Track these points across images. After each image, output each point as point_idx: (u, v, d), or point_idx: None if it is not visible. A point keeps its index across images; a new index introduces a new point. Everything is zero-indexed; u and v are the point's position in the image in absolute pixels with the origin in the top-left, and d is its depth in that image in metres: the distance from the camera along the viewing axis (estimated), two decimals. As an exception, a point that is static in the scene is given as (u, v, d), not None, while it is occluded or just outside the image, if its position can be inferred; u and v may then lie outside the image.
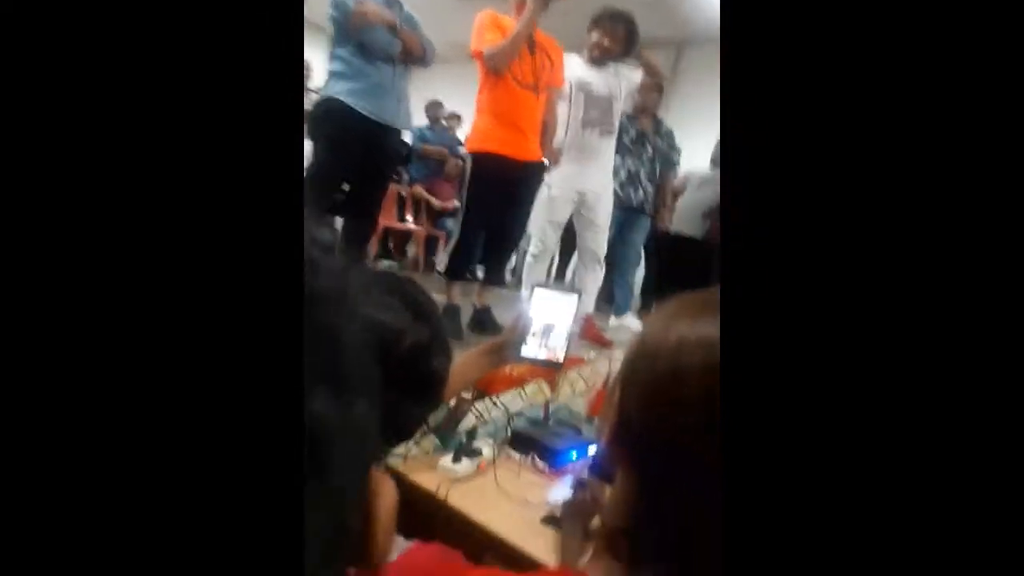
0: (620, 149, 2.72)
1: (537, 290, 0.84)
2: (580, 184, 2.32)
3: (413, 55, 1.90)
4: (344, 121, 1.80)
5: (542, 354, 0.85)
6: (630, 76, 2.33)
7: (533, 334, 0.84)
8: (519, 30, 1.89)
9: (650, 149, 2.83)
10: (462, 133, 4.79)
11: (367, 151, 1.88)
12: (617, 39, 2.21)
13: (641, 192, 2.85)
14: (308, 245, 0.23)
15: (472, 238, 2.15)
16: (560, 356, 0.87)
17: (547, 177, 2.28)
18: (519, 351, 0.84)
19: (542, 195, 2.35)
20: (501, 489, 0.97)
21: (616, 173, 2.69)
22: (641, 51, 2.27)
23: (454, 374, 0.81)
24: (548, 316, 0.85)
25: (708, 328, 0.33)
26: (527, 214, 2.25)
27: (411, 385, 0.47)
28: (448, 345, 0.55)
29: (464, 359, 0.88)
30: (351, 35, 1.78)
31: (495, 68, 1.93)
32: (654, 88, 2.57)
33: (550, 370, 1.99)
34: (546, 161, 2.20)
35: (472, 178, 2.08)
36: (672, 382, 0.34)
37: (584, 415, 1.45)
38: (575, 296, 0.86)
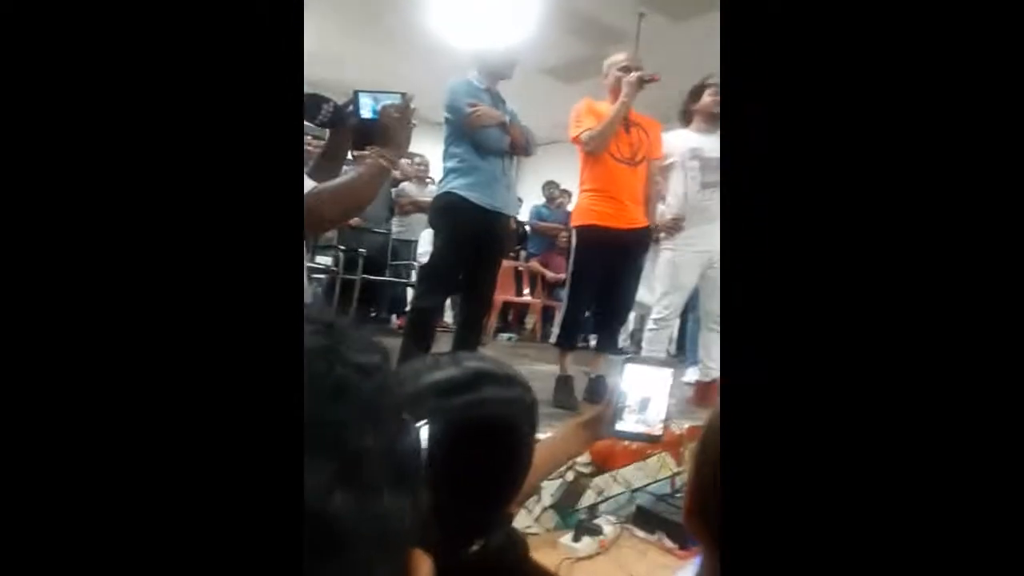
0: None
1: (628, 365, 0.84)
2: (706, 245, 2.26)
3: (519, 148, 2.05)
4: (463, 213, 1.98)
5: (639, 428, 0.83)
6: None
7: (630, 408, 0.83)
8: (614, 115, 2.01)
9: None
10: (571, 207, 4.94)
11: (484, 238, 2.02)
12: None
13: None
14: (348, 368, 0.24)
15: (579, 308, 2.17)
16: (658, 431, 0.84)
17: (669, 242, 2.27)
18: (614, 426, 0.83)
19: (663, 260, 2.32)
20: (625, 570, 0.92)
21: None
22: None
23: (544, 452, 0.81)
24: (644, 390, 0.83)
25: None
26: (635, 280, 2.23)
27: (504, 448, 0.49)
28: (535, 420, 0.56)
29: (556, 436, 0.87)
30: (465, 134, 1.97)
31: (594, 151, 2.04)
32: None
33: (674, 442, 1.88)
34: (652, 226, 2.20)
35: (576, 250, 2.13)
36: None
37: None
38: (669, 370, 0.84)
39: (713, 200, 2.23)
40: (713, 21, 2.93)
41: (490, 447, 0.49)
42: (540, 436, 0.63)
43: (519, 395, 0.54)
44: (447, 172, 2.06)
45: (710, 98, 2.27)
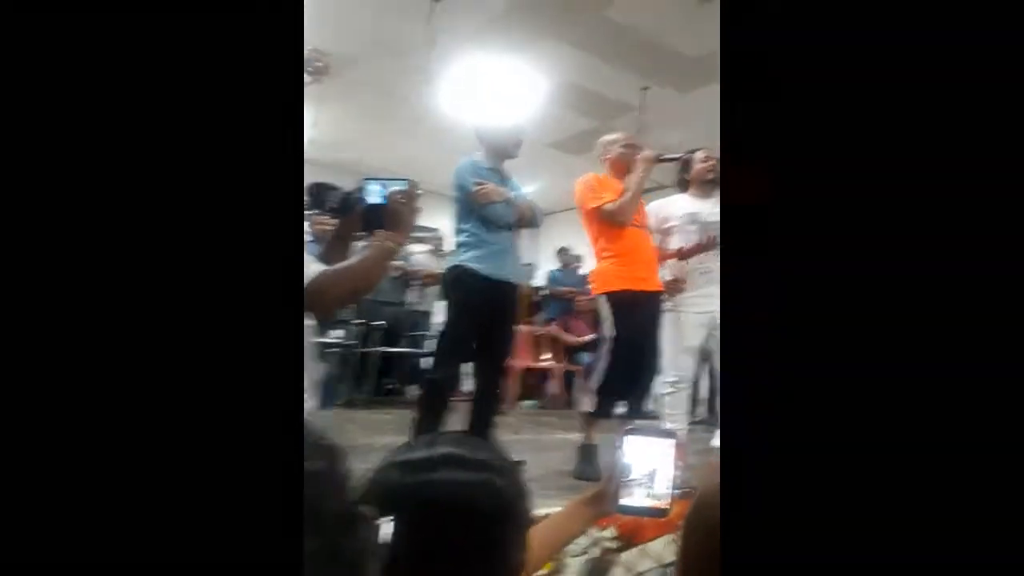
0: None
1: (628, 437, 0.81)
2: (708, 306, 2.27)
3: (525, 220, 2.12)
4: (473, 284, 2.05)
5: (646, 503, 0.80)
6: None
7: (637, 482, 0.80)
8: (636, 188, 2.14)
9: None
10: (583, 271, 4.99)
11: (494, 307, 2.08)
12: (714, 168, 2.33)
13: None
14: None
15: (621, 375, 2.16)
16: (666, 504, 0.80)
17: (671, 304, 2.28)
18: (618, 502, 0.80)
19: (671, 323, 2.32)
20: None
21: None
22: None
23: (549, 529, 0.78)
24: (648, 462, 0.80)
25: None
26: (660, 342, 2.23)
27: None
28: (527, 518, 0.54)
29: (560, 513, 0.84)
30: (473, 210, 2.05)
31: (623, 222, 2.14)
32: None
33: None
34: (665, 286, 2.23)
35: (615, 317, 2.15)
36: (712, 538, 0.32)
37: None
38: (671, 440, 0.81)
39: (712, 262, 2.27)
40: (714, 93, 3.11)
41: (446, 531, 0.48)
42: (541, 513, 0.61)
43: (483, 479, 0.52)
44: (458, 246, 2.14)
45: (700, 166, 2.38)
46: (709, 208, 2.35)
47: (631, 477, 0.79)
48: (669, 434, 0.83)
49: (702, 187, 2.39)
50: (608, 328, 2.15)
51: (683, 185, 2.46)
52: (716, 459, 0.36)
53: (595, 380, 2.18)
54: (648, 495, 0.79)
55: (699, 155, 2.40)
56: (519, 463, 0.59)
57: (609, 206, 2.11)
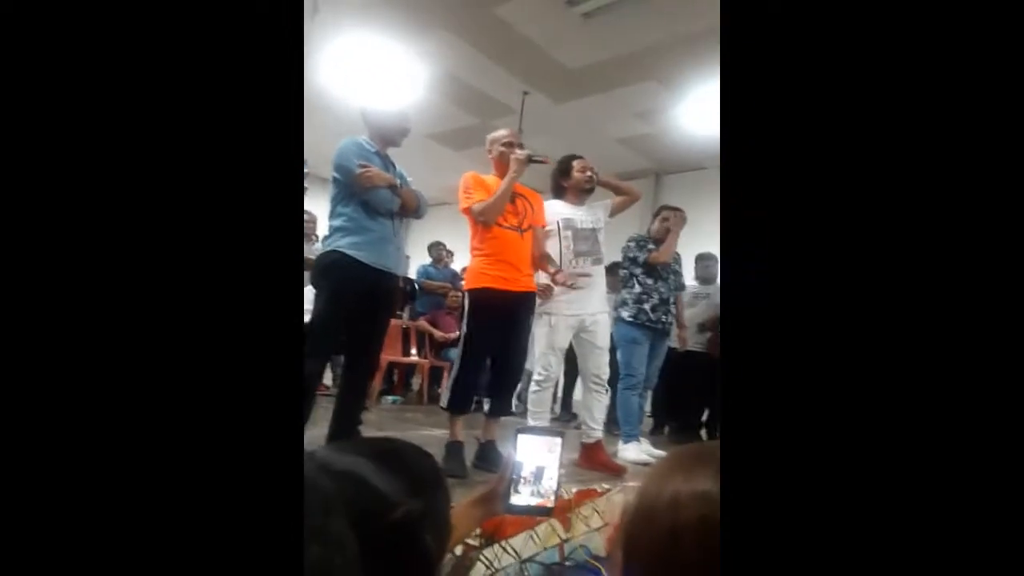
0: (651, 274, 2.86)
1: (520, 436, 0.83)
2: (578, 309, 2.38)
3: (410, 210, 2.05)
4: (348, 271, 1.92)
5: (533, 501, 0.81)
6: (601, 209, 2.59)
7: (525, 480, 0.81)
8: (503, 190, 2.13)
9: (671, 273, 2.95)
10: (457, 267, 4.99)
11: (372, 297, 1.97)
12: (592, 178, 2.46)
13: (670, 316, 2.92)
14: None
15: (472, 371, 2.16)
16: (551, 502, 0.83)
17: (546, 306, 2.35)
18: (507, 501, 0.81)
19: (542, 324, 2.39)
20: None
21: (649, 297, 2.83)
22: (601, 179, 2.52)
23: None
24: (537, 459, 0.82)
25: (704, 483, 0.32)
26: (526, 342, 2.28)
27: (399, 559, 0.44)
28: (445, 524, 0.52)
29: (451, 515, 0.83)
30: (355, 194, 1.93)
31: (486, 222, 2.13)
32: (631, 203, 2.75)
33: (563, 507, 1.88)
34: (538, 290, 2.28)
35: (470, 313, 2.14)
36: (670, 540, 0.32)
37: (605, 553, 1.33)
38: (559, 438, 0.84)
39: (584, 267, 2.40)
40: (588, 106, 3.28)
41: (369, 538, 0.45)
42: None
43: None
44: (333, 231, 1.99)
45: (579, 174, 2.49)
46: (582, 215, 2.47)
47: (521, 475, 0.80)
48: (558, 433, 0.85)
49: (578, 194, 2.50)
50: (463, 325, 2.16)
51: (559, 192, 2.56)
52: (656, 464, 0.36)
53: (450, 376, 2.17)
54: (533, 493, 0.80)
55: (577, 164, 2.50)
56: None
57: (476, 206, 2.12)
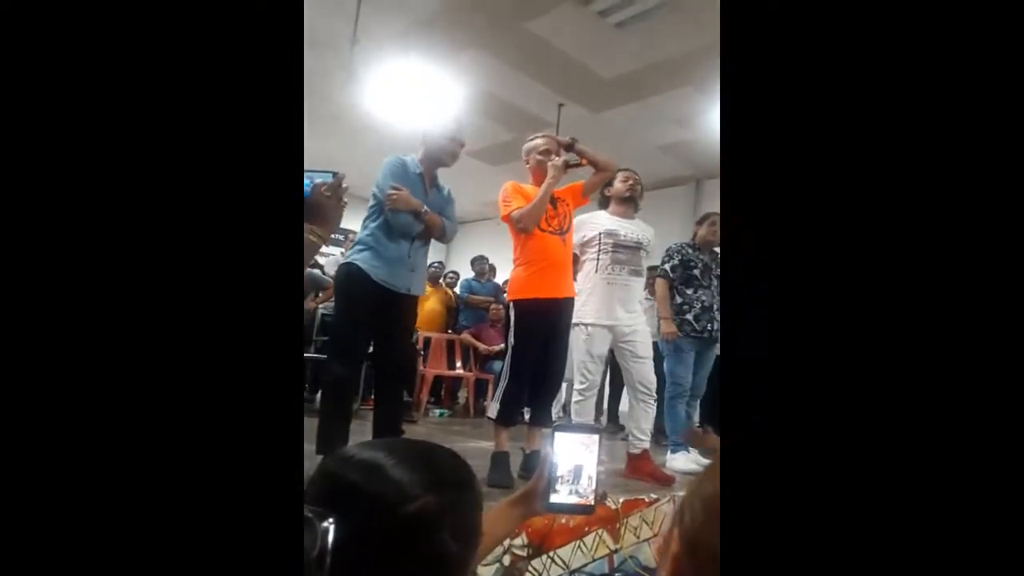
0: (691, 283, 2.83)
1: (557, 433, 0.83)
2: (612, 318, 2.38)
3: (433, 235, 2.14)
4: (360, 286, 2.01)
5: (572, 500, 0.82)
6: (650, 232, 2.58)
7: (563, 479, 0.81)
8: (541, 196, 2.15)
9: (715, 280, 2.91)
10: (499, 280, 5.04)
11: (383, 314, 2.05)
12: (639, 189, 2.45)
13: (715, 323, 2.87)
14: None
15: (521, 382, 2.17)
16: (592, 500, 0.82)
17: (579, 315, 2.35)
18: (547, 500, 0.81)
19: (578, 332, 2.39)
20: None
21: (690, 307, 2.80)
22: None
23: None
24: (575, 459, 0.82)
25: None
26: (566, 349, 2.28)
27: (415, 556, 0.44)
28: (472, 529, 0.51)
29: (488, 516, 0.84)
30: (382, 213, 2.02)
31: (525, 228, 2.16)
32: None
33: (610, 518, 1.86)
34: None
35: (516, 324, 2.16)
36: (711, 534, 0.32)
37: (655, 563, 1.32)
38: (596, 435, 0.84)
39: (620, 276, 2.39)
40: (625, 114, 3.23)
41: (387, 534, 0.46)
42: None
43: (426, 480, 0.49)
44: (356, 243, 2.10)
45: (621, 184, 2.51)
46: (626, 226, 2.47)
47: (558, 474, 0.80)
48: (595, 430, 0.85)
49: (623, 206, 2.51)
50: (511, 337, 2.17)
51: (604, 202, 2.56)
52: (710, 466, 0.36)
53: (498, 388, 2.19)
54: (571, 492, 0.81)
55: (619, 175, 2.51)
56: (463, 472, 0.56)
57: (515, 213, 2.14)
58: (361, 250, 2.04)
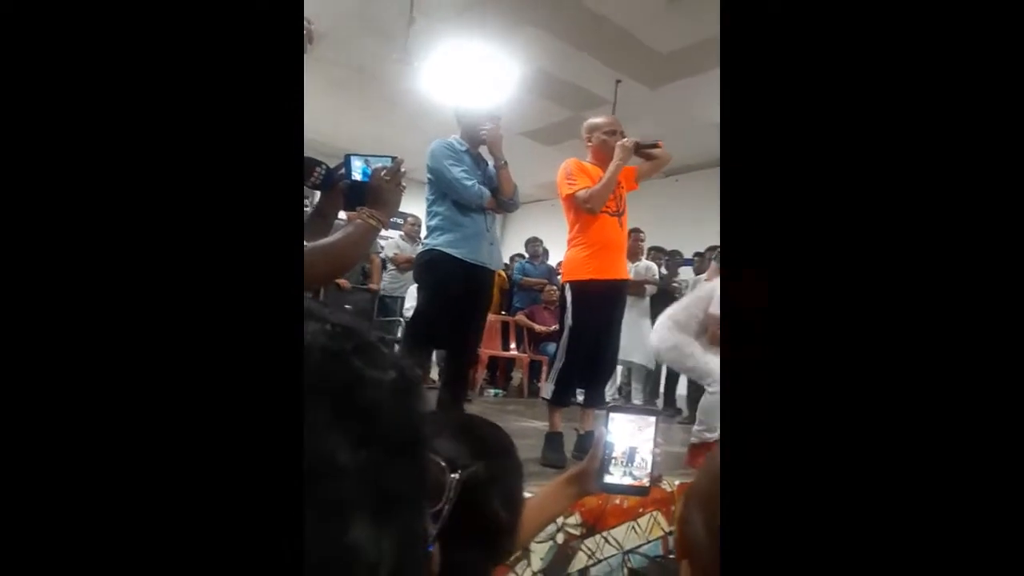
0: None
1: (612, 414, 0.83)
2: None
3: (504, 196, 2.11)
4: (445, 268, 2.02)
5: (626, 481, 0.81)
6: None
7: (616, 461, 0.81)
8: (608, 178, 2.09)
9: None
10: (552, 262, 5.02)
11: (468, 292, 2.06)
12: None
13: None
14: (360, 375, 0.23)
15: (576, 363, 2.16)
16: (646, 482, 0.82)
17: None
18: (601, 480, 0.81)
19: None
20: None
21: None
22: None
23: (532, 509, 0.78)
24: (630, 439, 0.82)
25: None
26: (619, 331, 2.26)
27: (466, 522, 0.46)
28: (516, 494, 0.53)
29: (542, 493, 0.85)
30: (447, 193, 2.03)
31: (592, 209, 2.09)
32: None
33: (666, 500, 1.84)
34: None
35: (574, 305, 2.14)
36: (709, 485, 0.33)
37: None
38: (653, 418, 0.83)
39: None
40: (682, 89, 3.09)
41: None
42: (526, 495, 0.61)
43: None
44: (431, 230, 2.11)
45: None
46: None
47: (613, 455, 0.80)
48: (651, 412, 0.84)
49: None
50: (567, 317, 2.15)
51: None
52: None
53: (553, 369, 2.19)
54: (626, 473, 0.81)
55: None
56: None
57: (581, 193, 2.08)
58: (439, 234, 2.04)
